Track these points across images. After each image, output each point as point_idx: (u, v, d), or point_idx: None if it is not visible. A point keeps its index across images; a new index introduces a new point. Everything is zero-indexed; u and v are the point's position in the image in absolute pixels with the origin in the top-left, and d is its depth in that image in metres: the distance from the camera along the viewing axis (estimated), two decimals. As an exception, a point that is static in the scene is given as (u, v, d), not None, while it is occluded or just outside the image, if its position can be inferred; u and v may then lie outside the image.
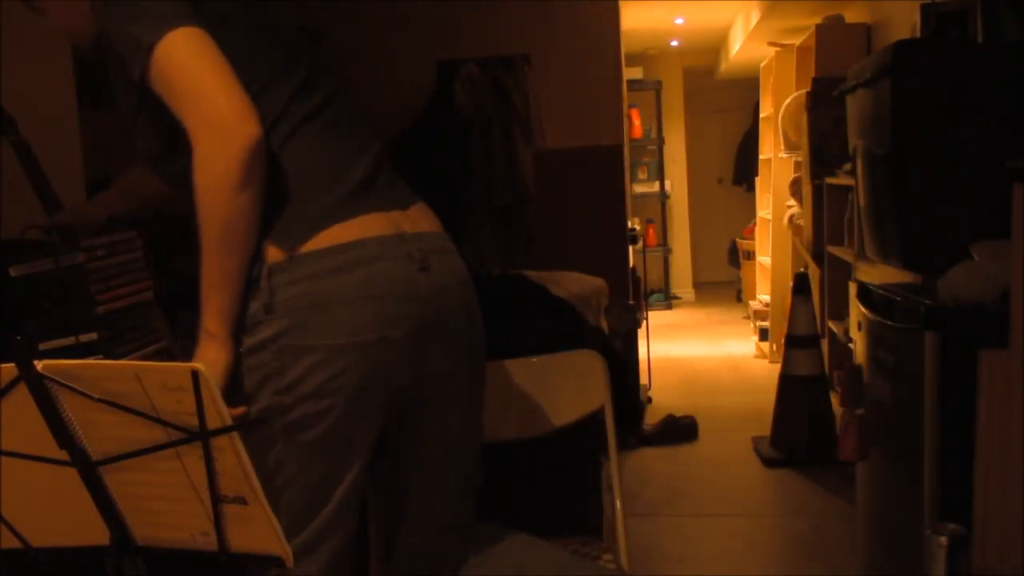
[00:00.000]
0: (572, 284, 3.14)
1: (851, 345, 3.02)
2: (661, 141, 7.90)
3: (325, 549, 1.49)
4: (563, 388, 2.07)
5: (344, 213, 1.43)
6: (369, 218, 1.45)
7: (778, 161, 5.77)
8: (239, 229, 1.37)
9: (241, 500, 1.17)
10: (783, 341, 4.26)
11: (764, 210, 6.47)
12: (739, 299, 8.09)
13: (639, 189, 7.99)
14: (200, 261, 1.41)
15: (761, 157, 6.70)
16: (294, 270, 1.40)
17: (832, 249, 4.16)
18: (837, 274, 4.14)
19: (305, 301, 1.39)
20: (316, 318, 1.39)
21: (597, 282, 3.40)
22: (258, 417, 1.42)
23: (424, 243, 1.50)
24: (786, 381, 4.07)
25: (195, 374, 1.10)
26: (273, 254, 1.41)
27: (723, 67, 8.20)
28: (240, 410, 1.42)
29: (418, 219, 1.54)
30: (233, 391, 1.42)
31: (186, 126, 1.37)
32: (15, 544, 1.26)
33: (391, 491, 1.66)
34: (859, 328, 2.61)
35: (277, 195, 1.42)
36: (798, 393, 4.03)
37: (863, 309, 2.52)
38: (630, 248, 4.91)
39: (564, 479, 2.52)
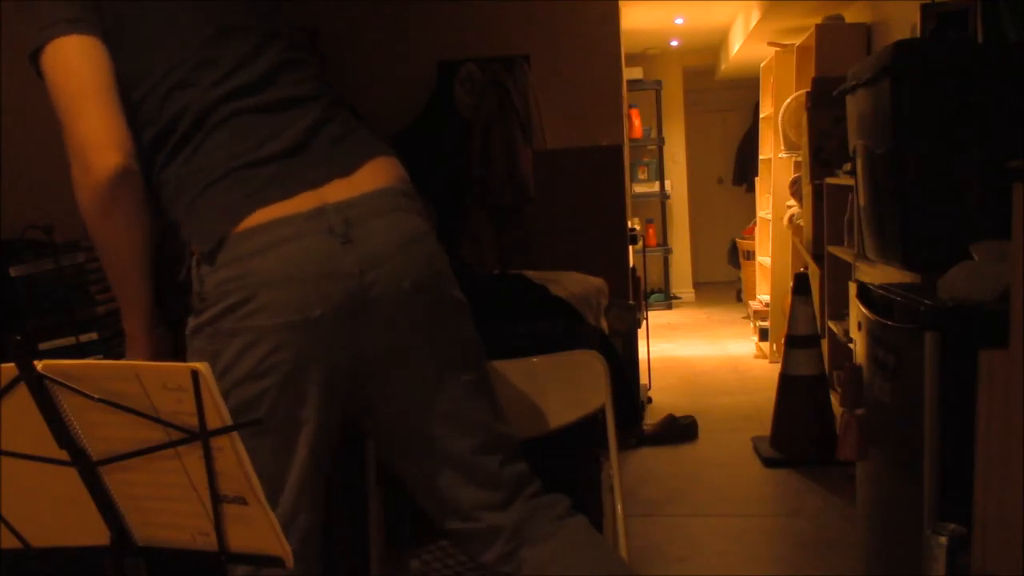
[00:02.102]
0: (572, 284, 3.14)
1: (851, 345, 3.02)
2: (661, 141, 7.90)
3: (292, 538, 1.46)
4: (563, 388, 2.06)
5: (261, 200, 1.41)
6: (290, 201, 1.41)
7: (778, 161, 5.77)
8: (114, 248, 1.42)
9: (241, 500, 1.17)
10: (783, 341, 4.26)
11: (764, 210, 6.47)
12: (739, 299, 8.09)
13: (639, 189, 7.99)
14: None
15: (761, 157, 6.70)
16: (216, 257, 1.40)
17: (832, 249, 4.16)
18: (837, 274, 4.14)
19: (230, 286, 1.40)
20: (240, 302, 1.39)
21: (597, 282, 3.40)
22: None
23: (352, 211, 1.43)
24: (786, 381, 4.07)
25: (195, 374, 1.10)
26: (196, 244, 1.43)
27: (723, 67, 8.20)
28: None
29: (361, 181, 1.47)
30: None
31: None
32: (15, 544, 1.26)
33: (408, 477, 1.63)
34: (859, 328, 2.61)
35: (192, 193, 1.43)
36: (798, 393, 4.03)
37: (863, 309, 2.52)
38: (630, 248, 4.91)
39: (564, 479, 2.52)
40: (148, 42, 1.43)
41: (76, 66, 1.37)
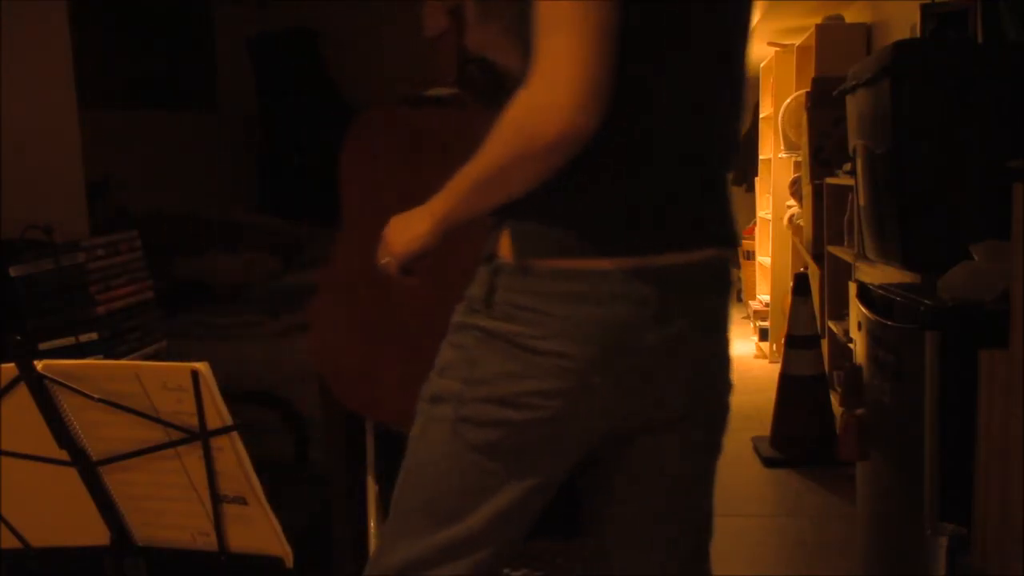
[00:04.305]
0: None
1: (851, 345, 3.02)
2: (661, 141, 7.88)
3: (458, 565, 1.35)
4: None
5: (597, 242, 1.26)
6: (613, 259, 1.26)
7: (778, 161, 5.77)
8: (500, 182, 1.26)
9: (241, 500, 1.17)
10: (783, 341, 4.26)
11: (764, 210, 6.47)
12: (739, 299, 8.08)
13: (639, 189, 7.97)
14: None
15: (761, 157, 6.70)
16: (519, 279, 1.28)
17: (832, 249, 4.16)
18: (837, 274, 4.14)
19: (525, 314, 1.27)
20: (525, 334, 1.27)
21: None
22: (436, 393, 1.34)
23: (670, 285, 1.29)
24: (786, 381, 4.07)
25: (195, 374, 1.10)
26: (506, 251, 1.29)
27: (723, 67, 8.18)
28: (415, 280, 1.43)
29: (693, 255, 1.32)
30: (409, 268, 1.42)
31: (533, 56, 1.17)
32: (15, 544, 1.26)
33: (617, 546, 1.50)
34: (859, 328, 2.61)
35: (565, 195, 1.26)
36: (798, 393, 4.03)
37: (863, 309, 2.52)
38: (630, 248, 4.90)
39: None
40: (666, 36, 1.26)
41: (601, 8, 1.17)
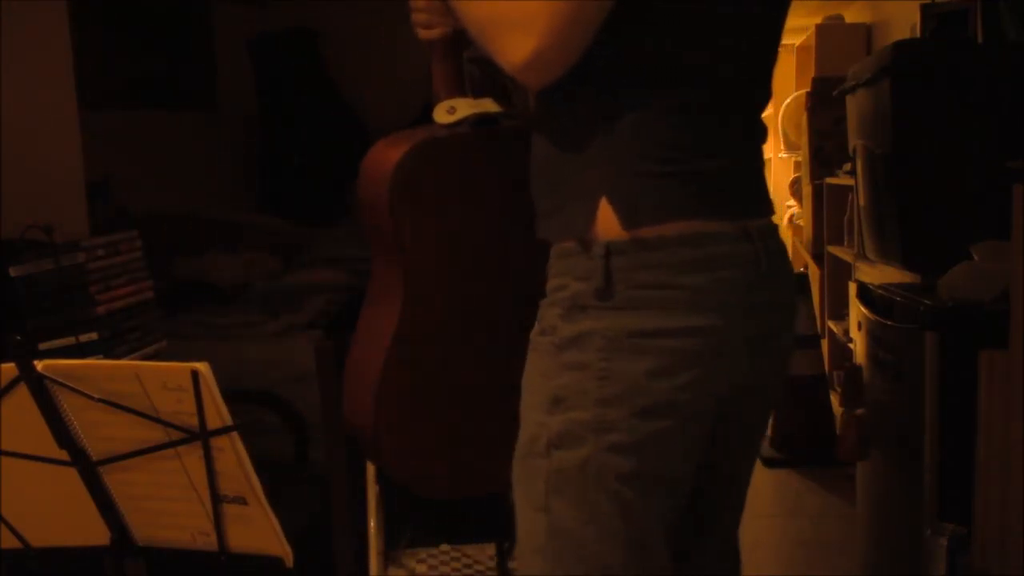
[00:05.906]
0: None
1: (851, 345, 3.02)
2: (661, 141, 7.88)
3: None
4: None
5: (701, 206, 1.17)
6: (720, 221, 1.19)
7: (778, 161, 5.77)
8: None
9: (241, 500, 1.17)
10: (783, 341, 4.26)
11: (764, 210, 6.47)
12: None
13: (639, 189, 7.98)
14: None
15: (761, 157, 6.70)
16: (639, 255, 1.14)
17: (832, 249, 4.16)
18: (837, 274, 4.14)
19: (646, 295, 1.14)
20: (656, 318, 1.13)
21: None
22: (560, 434, 1.16)
23: (771, 243, 1.25)
24: (786, 381, 4.07)
25: (195, 374, 1.10)
26: (613, 230, 1.15)
27: (723, 67, 8.19)
28: None
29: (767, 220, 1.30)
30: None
31: None
32: (15, 544, 1.26)
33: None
34: (859, 328, 2.61)
35: (661, 163, 1.16)
36: (798, 393, 4.03)
37: (863, 309, 2.52)
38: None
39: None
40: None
41: None
